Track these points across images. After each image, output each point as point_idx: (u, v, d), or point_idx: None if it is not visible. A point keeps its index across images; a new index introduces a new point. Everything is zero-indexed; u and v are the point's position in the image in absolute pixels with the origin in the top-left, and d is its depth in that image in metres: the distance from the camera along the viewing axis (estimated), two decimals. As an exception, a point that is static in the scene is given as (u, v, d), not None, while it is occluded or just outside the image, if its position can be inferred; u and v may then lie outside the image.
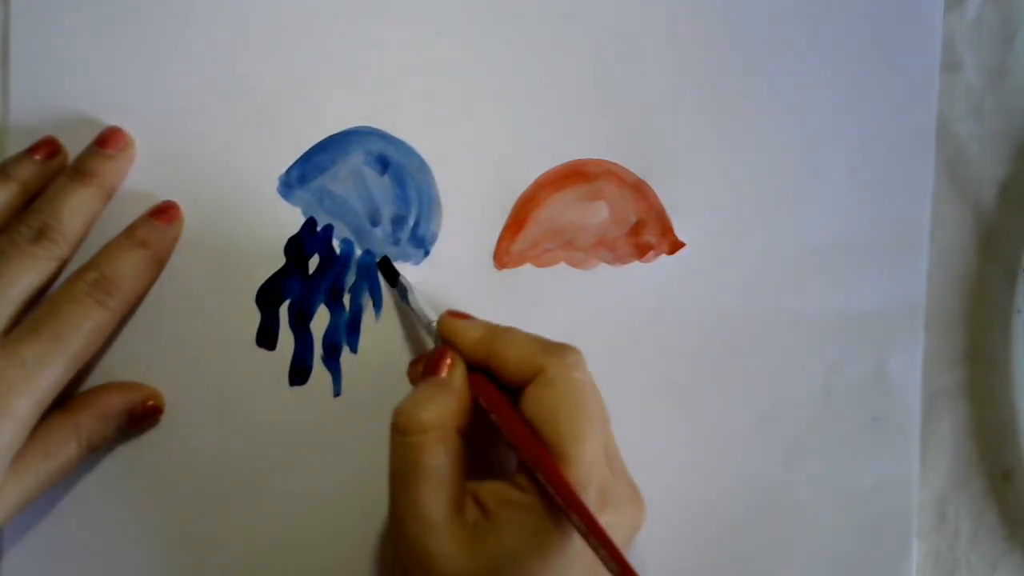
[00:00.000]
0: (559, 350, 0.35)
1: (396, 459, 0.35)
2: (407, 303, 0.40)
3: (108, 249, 0.39)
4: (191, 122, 0.41)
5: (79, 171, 0.39)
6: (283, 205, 0.41)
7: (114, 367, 0.41)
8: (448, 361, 0.36)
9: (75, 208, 0.39)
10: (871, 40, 0.43)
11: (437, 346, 0.37)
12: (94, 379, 0.40)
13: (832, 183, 0.43)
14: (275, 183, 0.41)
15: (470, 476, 0.35)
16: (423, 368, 0.37)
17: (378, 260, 0.41)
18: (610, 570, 0.32)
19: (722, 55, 0.42)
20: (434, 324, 0.38)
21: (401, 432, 0.35)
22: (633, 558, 0.42)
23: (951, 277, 0.43)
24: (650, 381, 0.42)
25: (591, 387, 0.35)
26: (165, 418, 0.41)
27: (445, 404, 0.35)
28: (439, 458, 0.34)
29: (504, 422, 0.34)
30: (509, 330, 0.36)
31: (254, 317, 0.41)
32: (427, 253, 0.42)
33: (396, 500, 0.35)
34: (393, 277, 0.41)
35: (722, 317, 0.42)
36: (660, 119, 0.42)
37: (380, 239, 0.42)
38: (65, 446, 0.38)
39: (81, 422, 0.39)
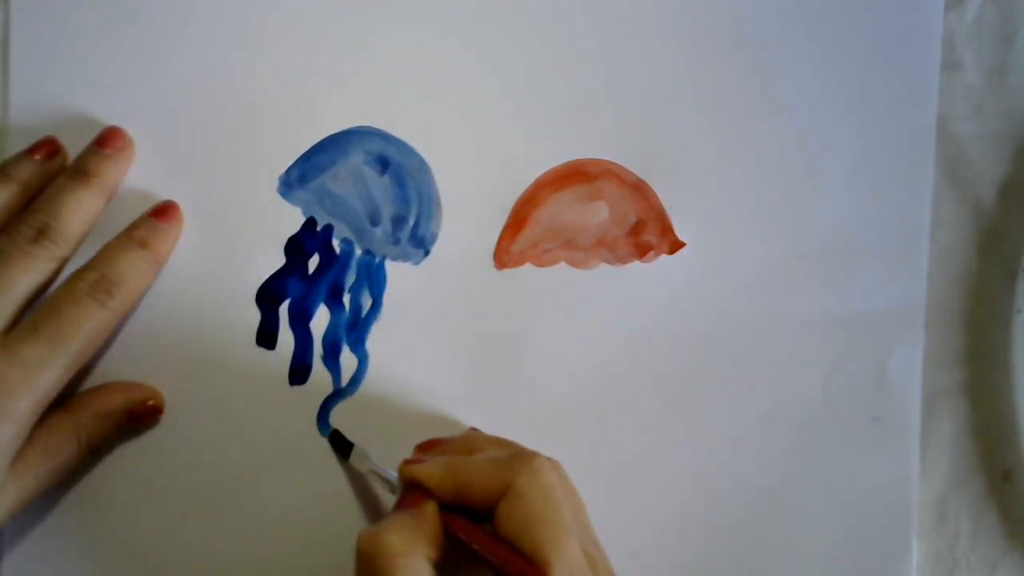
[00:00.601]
0: (522, 461, 0.34)
1: None
2: (368, 467, 0.39)
3: (108, 249, 0.39)
4: (191, 122, 0.41)
5: (79, 171, 0.39)
6: (283, 205, 0.41)
7: (114, 367, 0.41)
8: (420, 499, 0.35)
9: (75, 208, 0.38)
10: (871, 40, 0.43)
11: (405, 491, 0.36)
12: (94, 379, 0.40)
13: (832, 183, 0.43)
14: (275, 183, 0.41)
15: None
16: (393, 508, 0.36)
17: (328, 434, 0.41)
18: None
19: (722, 55, 0.42)
20: (395, 480, 0.37)
21: (368, 556, 0.32)
22: (633, 558, 0.42)
23: (951, 277, 0.43)
24: (650, 381, 0.42)
25: (561, 489, 0.35)
26: (165, 418, 0.41)
27: (414, 530, 0.34)
28: None
29: (485, 546, 0.33)
30: (466, 458, 0.36)
31: (254, 317, 0.41)
32: (427, 253, 0.42)
33: None
34: (346, 449, 0.40)
35: (722, 317, 0.42)
36: (660, 119, 0.42)
37: (380, 239, 0.42)
38: (65, 446, 0.38)
39: (81, 422, 0.39)
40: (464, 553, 0.34)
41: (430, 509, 0.34)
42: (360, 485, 0.41)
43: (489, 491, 0.34)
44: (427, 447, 0.39)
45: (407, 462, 0.36)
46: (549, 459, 0.35)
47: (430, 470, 0.35)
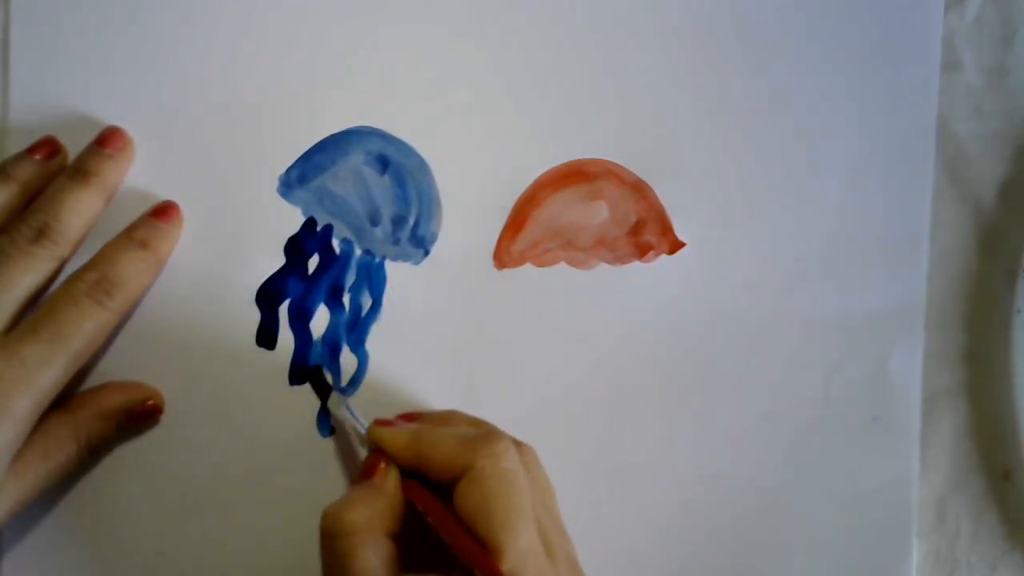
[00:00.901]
0: (485, 443, 0.35)
1: (325, 562, 0.34)
2: (344, 415, 0.39)
3: (108, 249, 0.39)
4: (191, 122, 0.41)
5: (79, 171, 0.39)
6: (283, 205, 0.41)
7: (114, 367, 0.41)
8: (381, 467, 0.36)
9: (75, 208, 0.39)
10: (871, 40, 0.43)
11: (370, 453, 0.37)
12: (94, 379, 0.40)
13: (832, 183, 0.43)
14: (275, 183, 0.41)
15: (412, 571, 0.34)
16: (357, 476, 0.36)
17: (309, 370, 0.41)
18: None
19: (722, 55, 0.42)
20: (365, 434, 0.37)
21: (329, 535, 0.34)
22: (633, 558, 0.42)
23: (951, 277, 0.43)
24: (650, 381, 0.42)
25: (523, 474, 0.35)
26: (165, 418, 0.41)
27: (373, 506, 0.34)
28: (368, 561, 0.33)
29: (440, 523, 0.34)
30: (434, 430, 0.36)
31: (254, 317, 0.41)
32: (427, 253, 0.42)
33: None
34: (324, 391, 0.41)
35: (722, 317, 0.42)
36: (660, 119, 0.42)
37: (380, 239, 0.42)
38: (65, 446, 0.38)
39: (81, 422, 0.39)
40: (425, 520, 0.34)
41: (391, 480, 0.35)
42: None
43: (450, 467, 0.34)
44: (407, 419, 0.39)
45: (378, 422, 0.37)
46: (517, 443, 0.36)
47: (395, 436, 0.36)
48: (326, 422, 0.41)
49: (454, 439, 0.35)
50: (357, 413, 0.39)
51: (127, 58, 0.41)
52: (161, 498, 0.41)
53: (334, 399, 0.40)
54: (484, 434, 0.35)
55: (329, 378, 0.41)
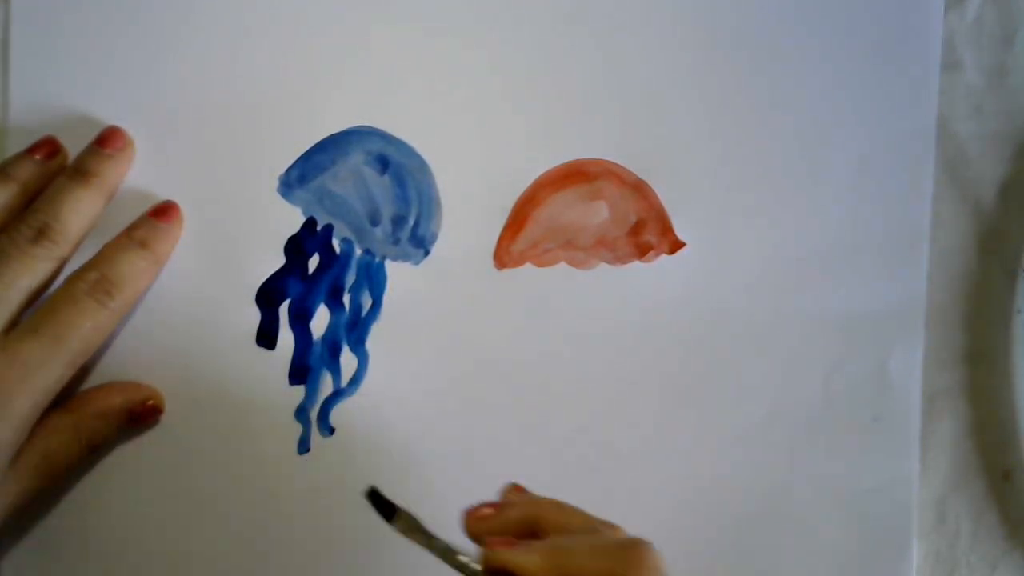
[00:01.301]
0: (635, 556, 0.32)
1: None
2: (430, 542, 0.33)
3: (108, 249, 0.39)
4: (191, 122, 0.41)
5: (79, 171, 0.39)
6: (283, 205, 0.41)
7: (114, 367, 0.41)
8: None
9: (75, 208, 0.38)
10: (871, 40, 0.43)
11: None
12: (94, 379, 0.40)
13: (832, 183, 0.43)
14: (275, 183, 0.41)
15: None
16: None
17: (367, 492, 0.33)
18: None
19: (722, 55, 0.42)
20: (473, 564, 0.32)
21: None
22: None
23: (951, 277, 0.43)
24: (650, 381, 0.42)
25: None
26: (165, 418, 0.41)
27: None
28: None
29: None
30: (567, 544, 0.32)
31: (254, 317, 0.41)
32: (427, 253, 0.42)
33: None
34: (389, 510, 0.33)
35: (722, 317, 0.42)
36: (660, 119, 0.42)
37: (380, 239, 0.42)
38: (65, 446, 0.38)
39: (81, 422, 0.39)
40: None
41: None
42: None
43: None
44: (481, 517, 0.34)
45: (492, 544, 0.32)
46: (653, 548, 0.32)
47: (528, 558, 0.32)
48: (326, 423, 0.41)
49: (597, 551, 0.32)
50: (435, 531, 0.33)
51: (127, 58, 0.41)
52: (161, 498, 0.41)
53: (404, 519, 0.33)
54: (628, 544, 0.32)
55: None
